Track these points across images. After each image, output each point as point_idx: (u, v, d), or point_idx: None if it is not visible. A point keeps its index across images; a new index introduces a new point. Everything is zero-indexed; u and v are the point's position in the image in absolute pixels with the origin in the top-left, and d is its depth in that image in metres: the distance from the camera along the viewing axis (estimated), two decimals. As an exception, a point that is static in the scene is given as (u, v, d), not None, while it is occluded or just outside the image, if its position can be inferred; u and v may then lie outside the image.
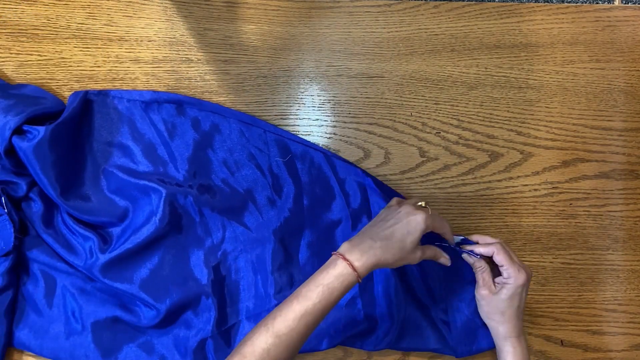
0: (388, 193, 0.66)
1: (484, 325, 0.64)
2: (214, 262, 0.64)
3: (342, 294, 0.52)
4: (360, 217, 0.66)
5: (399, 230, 0.54)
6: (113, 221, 0.64)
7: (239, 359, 0.49)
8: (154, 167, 0.65)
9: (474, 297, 0.64)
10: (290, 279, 0.65)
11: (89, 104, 0.65)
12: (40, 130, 0.59)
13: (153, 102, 0.65)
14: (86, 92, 0.65)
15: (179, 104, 0.66)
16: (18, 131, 0.59)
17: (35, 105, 0.61)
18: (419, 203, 0.60)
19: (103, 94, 0.65)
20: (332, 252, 0.55)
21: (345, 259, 0.52)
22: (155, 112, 0.65)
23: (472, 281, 0.64)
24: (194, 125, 0.66)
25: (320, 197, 0.66)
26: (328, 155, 0.66)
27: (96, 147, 0.65)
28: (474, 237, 0.62)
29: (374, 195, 0.66)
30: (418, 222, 0.54)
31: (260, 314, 0.63)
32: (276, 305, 0.63)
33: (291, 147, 0.66)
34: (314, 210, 0.66)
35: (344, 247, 0.54)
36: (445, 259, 0.59)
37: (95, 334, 0.62)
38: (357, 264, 0.52)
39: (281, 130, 0.67)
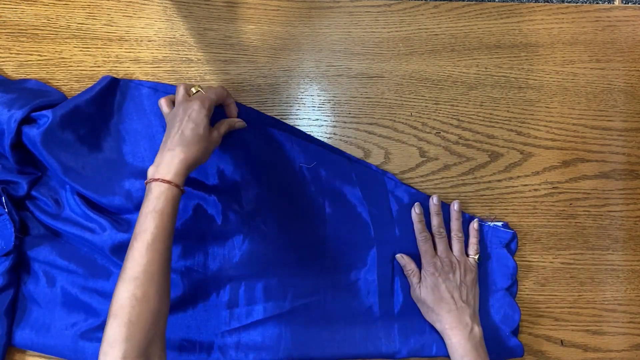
0: (411, 194, 0.67)
1: (512, 334, 0.65)
2: (232, 259, 0.64)
3: (174, 211, 0.53)
4: (381, 224, 0.66)
5: (187, 128, 0.55)
6: (129, 207, 0.63)
7: (112, 320, 0.48)
8: None
9: (502, 304, 0.66)
10: (309, 285, 0.65)
11: (120, 90, 0.65)
12: (49, 115, 0.59)
13: None
14: (116, 79, 0.65)
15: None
16: (27, 121, 0.59)
17: (40, 98, 0.61)
18: (192, 89, 0.60)
19: (138, 82, 0.66)
20: (145, 182, 0.55)
21: (155, 180, 0.53)
22: None
23: (501, 289, 0.66)
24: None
25: (343, 204, 0.66)
26: (352, 160, 0.67)
27: (123, 134, 0.65)
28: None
29: (396, 200, 0.66)
30: (197, 111, 0.56)
31: (272, 317, 0.64)
32: (288, 309, 0.64)
33: (318, 154, 0.66)
34: (337, 218, 0.66)
35: (150, 172, 0.54)
36: (241, 123, 0.63)
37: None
38: (168, 177, 0.53)
39: (307, 135, 0.67)
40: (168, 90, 0.66)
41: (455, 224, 0.65)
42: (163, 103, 0.61)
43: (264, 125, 0.66)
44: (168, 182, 0.53)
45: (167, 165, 0.53)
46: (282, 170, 0.66)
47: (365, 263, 0.66)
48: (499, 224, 0.67)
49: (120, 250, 0.61)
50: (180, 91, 0.60)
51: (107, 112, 0.65)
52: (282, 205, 0.66)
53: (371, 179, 0.67)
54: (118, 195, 0.63)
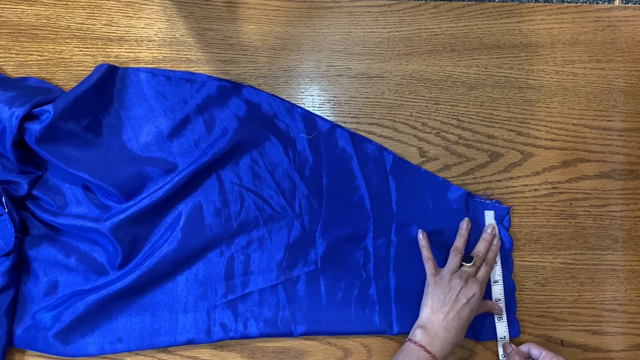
0: (410, 170, 0.67)
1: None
2: (228, 230, 0.65)
3: None
4: (379, 198, 0.67)
5: (464, 312, 0.59)
6: (134, 193, 0.64)
7: None
8: (185, 145, 0.66)
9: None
10: (305, 256, 0.66)
11: (119, 77, 0.66)
12: (50, 110, 0.59)
13: (186, 80, 0.66)
14: (113, 67, 0.66)
15: (212, 83, 0.67)
16: (29, 117, 0.59)
17: (40, 95, 0.61)
18: (467, 266, 0.63)
19: (135, 69, 0.66)
20: (408, 339, 0.59)
21: (428, 352, 0.57)
22: (187, 90, 0.66)
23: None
24: (224, 103, 0.66)
25: (340, 177, 0.67)
26: (352, 134, 0.67)
27: (124, 120, 0.65)
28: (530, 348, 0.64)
29: (394, 176, 0.67)
30: (476, 299, 0.60)
31: (268, 287, 0.65)
32: (284, 280, 0.65)
33: (317, 124, 0.67)
34: (333, 189, 0.66)
35: (421, 337, 0.58)
36: (498, 310, 0.66)
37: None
38: (439, 355, 0.57)
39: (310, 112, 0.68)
40: (165, 74, 0.66)
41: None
42: (430, 265, 0.63)
43: (266, 98, 0.67)
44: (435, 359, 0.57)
45: (442, 344, 0.57)
46: (279, 141, 0.67)
47: (363, 237, 0.66)
48: (494, 201, 0.68)
49: (119, 230, 0.62)
50: (455, 261, 0.63)
51: (107, 100, 0.65)
52: (278, 177, 0.66)
53: (370, 153, 0.67)
54: (123, 180, 0.63)
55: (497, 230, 0.67)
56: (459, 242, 0.65)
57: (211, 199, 0.65)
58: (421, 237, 0.65)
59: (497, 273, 0.66)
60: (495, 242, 0.66)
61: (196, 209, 0.65)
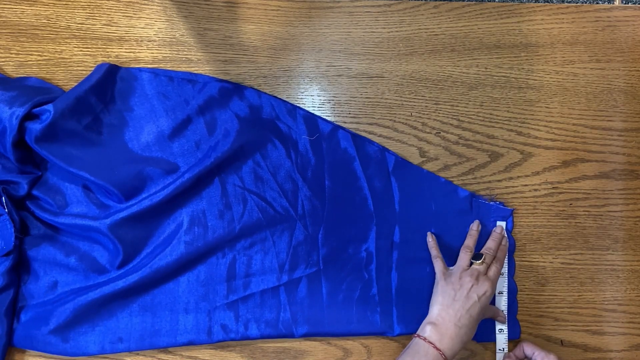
0: (412, 171, 0.67)
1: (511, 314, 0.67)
2: (231, 232, 0.65)
3: None
4: (381, 199, 0.67)
5: (475, 310, 0.58)
6: (134, 193, 0.64)
7: None
8: (186, 145, 0.66)
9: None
10: (307, 258, 0.66)
11: (120, 77, 0.66)
12: (51, 109, 0.59)
13: (188, 81, 0.66)
14: (114, 66, 0.66)
15: (214, 84, 0.67)
16: (29, 117, 0.59)
17: (40, 95, 0.61)
18: (477, 263, 0.62)
19: (137, 68, 0.66)
20: (417, 335, 0.58)
21: (437, 349, 0.56)
22: (189, 91, 0.66)
23: None
24: (226, 104, 0.66)
25: (343, 178, 0.67)
26: (354, 135, 0.67)
27: (127, 119, 0.65)
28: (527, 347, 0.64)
29: (396, 177, 0.67)
30: (487, 297, 0.60)
31: (269, 288, 0.65)
32: (285, 281, 0.65)
33: (319, 125, 0.67)
34: (336, 191, 0.66)
35: (431, 334, 0.57)
36: (502, 318, 0.65)
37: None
38: (448, 353, 0.56)
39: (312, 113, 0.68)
40: (167, 74, 0.66)
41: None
42: (440, 262, 0.63)
43: (267, 99, 0.67)
44: (446, 358, 0.56)
45: (452, 341, 0.57)
46: (281, 143, 0.67)
47: (365, 238, 0.66)
48: (497, 202, 0.68)
49: (119, 228, 0.62)
50: (465, 259, 0.63)
51: (108, 100, 0.65)
52: (280, 179, 0.66)
53: (372, 155, 0.67)
54: (124, 180, 0.63)
55: (504, 231, 0.67)
56: (470, 241, 0.65)
57: (214, 201, 0.65)
58: (430, 239, 0.66)
59: (503, 284, 0.66)
60: (504, 242, 0.66)
61: (199, 212, 0.65)
